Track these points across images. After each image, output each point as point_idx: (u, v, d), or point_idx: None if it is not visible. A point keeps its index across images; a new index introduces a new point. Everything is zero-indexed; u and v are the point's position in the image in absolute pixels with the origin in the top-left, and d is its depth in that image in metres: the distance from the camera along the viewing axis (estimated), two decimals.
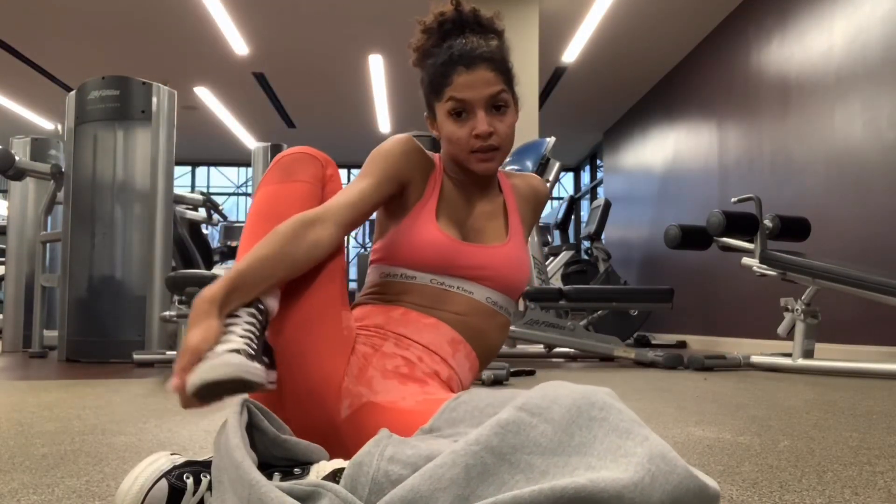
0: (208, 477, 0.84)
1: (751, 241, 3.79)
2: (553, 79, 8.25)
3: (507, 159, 4.67)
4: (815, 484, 1.13)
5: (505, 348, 4.79)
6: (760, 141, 5.77)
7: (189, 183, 12.99)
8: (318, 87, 8.67)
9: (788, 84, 5.36)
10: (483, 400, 0.85)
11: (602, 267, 6.90)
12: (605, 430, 0.67)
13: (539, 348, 4.65)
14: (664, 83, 8.09)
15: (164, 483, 0.82)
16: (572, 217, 8.85)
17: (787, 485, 1.12)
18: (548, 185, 4.55)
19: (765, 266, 3.69)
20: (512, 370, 3.17)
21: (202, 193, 5.82)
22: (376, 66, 7.88)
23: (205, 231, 6.08)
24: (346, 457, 0.81)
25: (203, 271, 3.23)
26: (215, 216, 5.99)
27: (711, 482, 0.66)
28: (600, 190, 11.12)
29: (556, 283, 6.86)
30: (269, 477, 0.78)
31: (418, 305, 1.11)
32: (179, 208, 5.39)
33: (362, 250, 12.09)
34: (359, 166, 10.09)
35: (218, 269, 6.97)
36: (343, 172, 12.65)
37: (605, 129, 10.35)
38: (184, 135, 9.98)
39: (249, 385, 0.82)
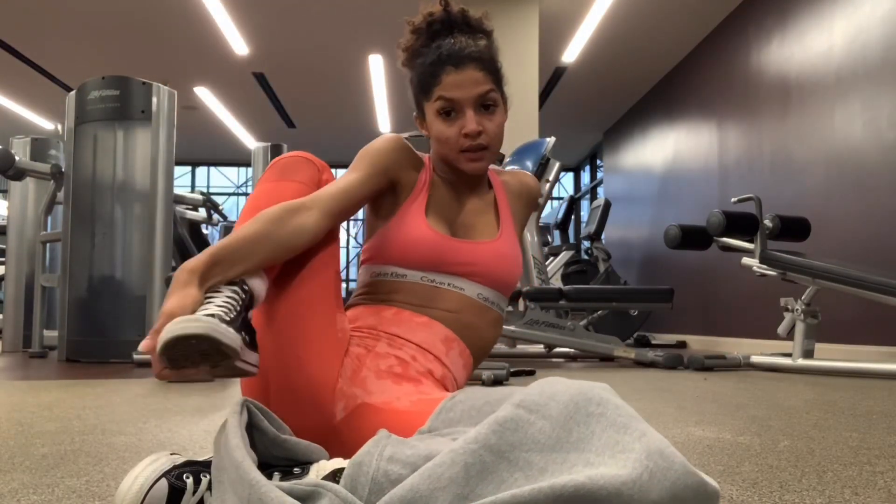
0: (208, 477, 0.84)
1: (751, 241, 3.79)
2: (553, 79, 8.25)
3: (508, 159, 4.67)
4: (815, 484, 1.13)
5: (505, 348, 4.79)
6: (760, 141, 5.77)
7: (189, 183, 12.99)
8: (318, 87, 8.67)
9: (788, 84, 5.36)
10: (480, 399, 0.85)
11: (602, 267, 6.91)
12: (603, 426, 0.67)
13: (539, 348, 4.65)
14: (664, 83, 8.09)
15: (163, 483, 0.82)
16: (572, 217, 8.86)
17: (787, 485, 1.12)
18: (548, 185, 4.55)
19: (765, 266, 3.69)
20: (512, 370, 3.17)
21: (202, 193, 5.83)
22: (376, 66, 7.88)
23: (205, 231, 6.08)
24: (344, 458, 0.81)
25: None
26: (215, 216, 5.99)
27: (711, 481, 0.67)
28: (600, 190, 11.12)
29: (556, 283, 6.86)
30: (269, 477, 0.78)
31: (410, 304, 1.11)
32: (179, 208, 5.40)
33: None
34: None
35: None
36: (342, 173, 12.64)
37: (605, 129, 10.35)
38: (184, 135, 9.98)
39: (221, 347, 0.78)
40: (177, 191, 5.13)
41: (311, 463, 0.82)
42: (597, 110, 9.54)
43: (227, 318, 0.83)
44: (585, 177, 12.36)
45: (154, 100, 4.38)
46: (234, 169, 13.17)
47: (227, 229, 9.01)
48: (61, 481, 1.13)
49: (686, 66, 7.46)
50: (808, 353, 3.54)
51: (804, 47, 5.17)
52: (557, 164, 4.57)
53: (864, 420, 1.87)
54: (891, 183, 4.23)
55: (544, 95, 8.68)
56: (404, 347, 1.07)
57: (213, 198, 6.05)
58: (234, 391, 2.59)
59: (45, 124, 9.87)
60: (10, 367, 3.86)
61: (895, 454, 1.39)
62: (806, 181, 5.09)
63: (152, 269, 4.27)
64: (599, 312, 5.00)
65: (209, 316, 0.80)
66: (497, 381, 2.84)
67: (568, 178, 13.00)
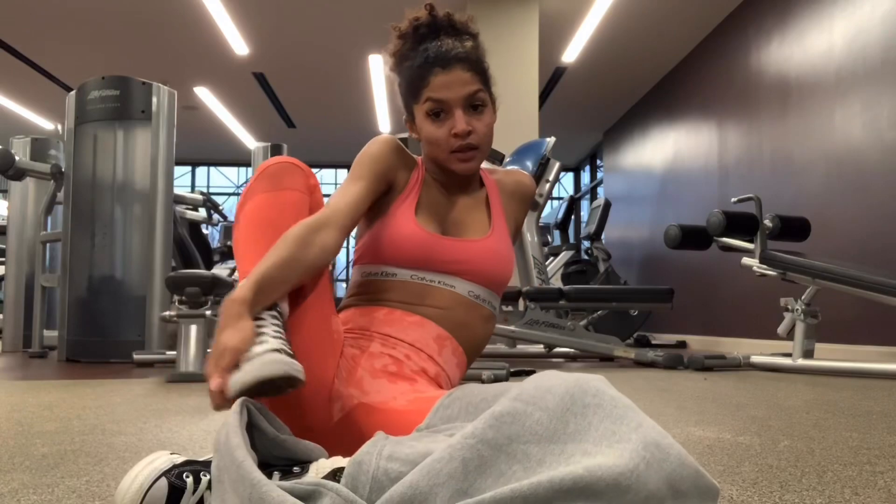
0: (208, 476, 0.84)
1: (751, 241, 3.79)
2: (553, 79, 8.25)
3: (508, 159, 4.67)
4: (815, 484, 1.13)
5: (505, 348, 4.79)
6: (760, 141, 5.77)
7: (189, 183, 12.99)
8: (318, 87, 8.67)
9: (788, 84, 5.36)
10: (476, 395, 0.86)
11: (602, 267, 6.90)
12: (600, 417, 0.67)
13: (539, 348, 4.65)
14: (664, 83, 8.09)
15: (163, 482, 0.82)
16: (572, 217, 8.86)
17: (787, 485, 1.12)
18: (548, 185, 4.55)
19: (765, 266, 3.69)
20: (512, 370, 3.18)
21: (202, 193, 5.83)
22: (376, 66, 7.88)
23: (205, 231, 6.09)
24: (343, 457, 0.81)
25: (203, 271, 3.23)
26: (215, 216, 5.99)
27: (707, 474, 0.67)
28: (600, 190, 11.12)
29: (556, 283, 6.86)
30: (269, 476, 0.78)
31: (401, 303, 1.12)
32: (179, 208, 5.40)
33: None
34: None
35: (218, 269, 6.97)
36: (342, 172, 12.66)
37: (605, 129, 10.35)
38: (184, 135, 9.98)
39: (295, 382, 0.84)
40: (177, 191, 5.13)
41: (310, 462, 0.82)
42: (597, 110, 9.54)
43: (289, 351, 0.87)
44: (585, 177, 12.36)
45: (154, 100, 4.38)
46: (234, 169, 13.17)
47: (227, 229, 9.02)
48: (61, 481, 1.13)
49: (686, 66, 7.46)
50: (808, 353, 3.54)
51: (804, 47, 5.17)
52: (557, 164, 4.57)
53: (864, 420, 1.87)
54: (891, 183, 4.23)
55: (544, 95, 8.68)
56: (397, 347, 1.08)
57: (213, 198, 6.06)
58: None
59: (45, 124, 9.87)
60: (10, 367, 3.86)
61: (895, 454, 1.39)
62: (806, 181, 5.09)
63: (152, 269, 4.27)
64: (599, 312, 5.00)
65: (276, 351, 0.85)
66: (497, 381, 2.84)
67: (568, 178, 13.00)
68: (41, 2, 6.38)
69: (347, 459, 0.76)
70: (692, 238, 3.98)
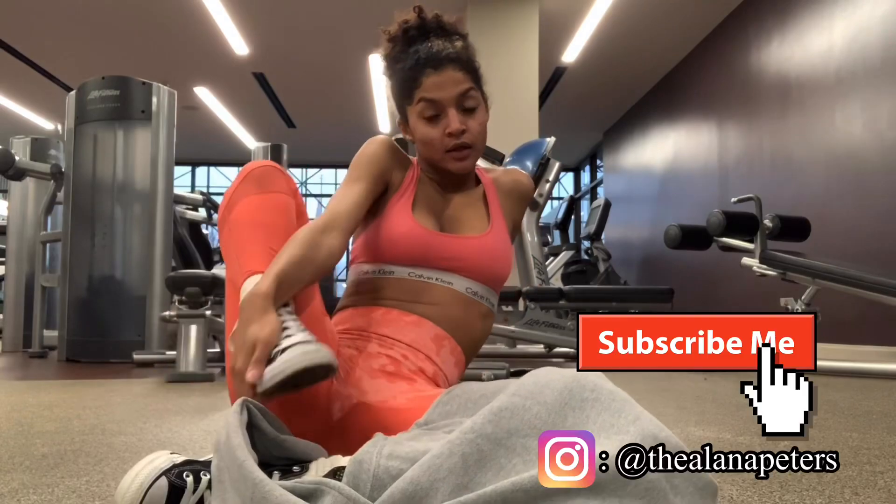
0: (208, 475, 0.84)
1: (751, 241, 3.79)
2: (553, 79, 8.25)
3: (508, 159, 4.66)
4: (815, 484, 1.13)
5: (505, 348, 4.78)
6: (760, 141, 5.77)
7: (189, 183, 12.99)
8: (318, 87, 8.67)
9: (788, 84, 5.36)
10: (476, 392, 0.87)
11: (602, 267, 6.90)
12: (598, 410, 0.68)
13: (539, 348, 4.65)
14: (664, 83, 8.09)
15: (163, 481, 0.82)
16: (572, 217, 8.85)
17: (787, 485, 1.12)
18: (548, 184, 4.55)
19: (765, 266, 3.69)
20: (512, 370, 3.18)
21: (202, 193, 5.83)
22: (376, 67, 7.88)
23: (205, 231, 6.08)
24: (343, 456, 0.82)
25: (203, 271, 3.23)
26: (215, 216, 5.99)
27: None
28: (600, 190, 11.12)
29: (556, 283, 6.85)
30: (269, 476, 0.79)
31: (399, 301, 1.11)
32: (179, 208, 5.39)
33: None
34: None
35: (218, 269, 6.96)
36: (342, 172, 12.66)
37: (605, 129, 10.35)
38: (184, 135, 9.95)
39: (332, 370, 0.87)
40: (177, 191, 5.13)
41: (310, 462, 0.82)
42: (597, 110, 9.54)
43: (318, 341, 0.89)
44: (585, 177, 12.36)
45: (154, 100, 4.38)
46: (234, 169, 13.17)
47: None
48: (61, 481, 1.13)
49: (686, 66, 7.46)
50: None
51: (804, 47, 5.17)
52: (557, 164, 4.57)
53: (864, 420, 1.87)
54: (891, 183, 4.23)
55: (544, 95, 8.68)
56: (395, 347, 1.08)
57: (213, 198, 6.05)
58: None
59: (45, 124, 9.87)
60: (10, 367, 3.86)
61: (895, 454, 1.39)
62: (806, 181, 5.09)
63: (152, 269, 4.27)
64: (599, 312, 4.99)
65: (306, 343, 0.87)
66: None
67: (568, 178, 13.00)
68: (41, 2, 6.38)
69: (347, 459, 0.76)
70: (692, 238, 3.98)
